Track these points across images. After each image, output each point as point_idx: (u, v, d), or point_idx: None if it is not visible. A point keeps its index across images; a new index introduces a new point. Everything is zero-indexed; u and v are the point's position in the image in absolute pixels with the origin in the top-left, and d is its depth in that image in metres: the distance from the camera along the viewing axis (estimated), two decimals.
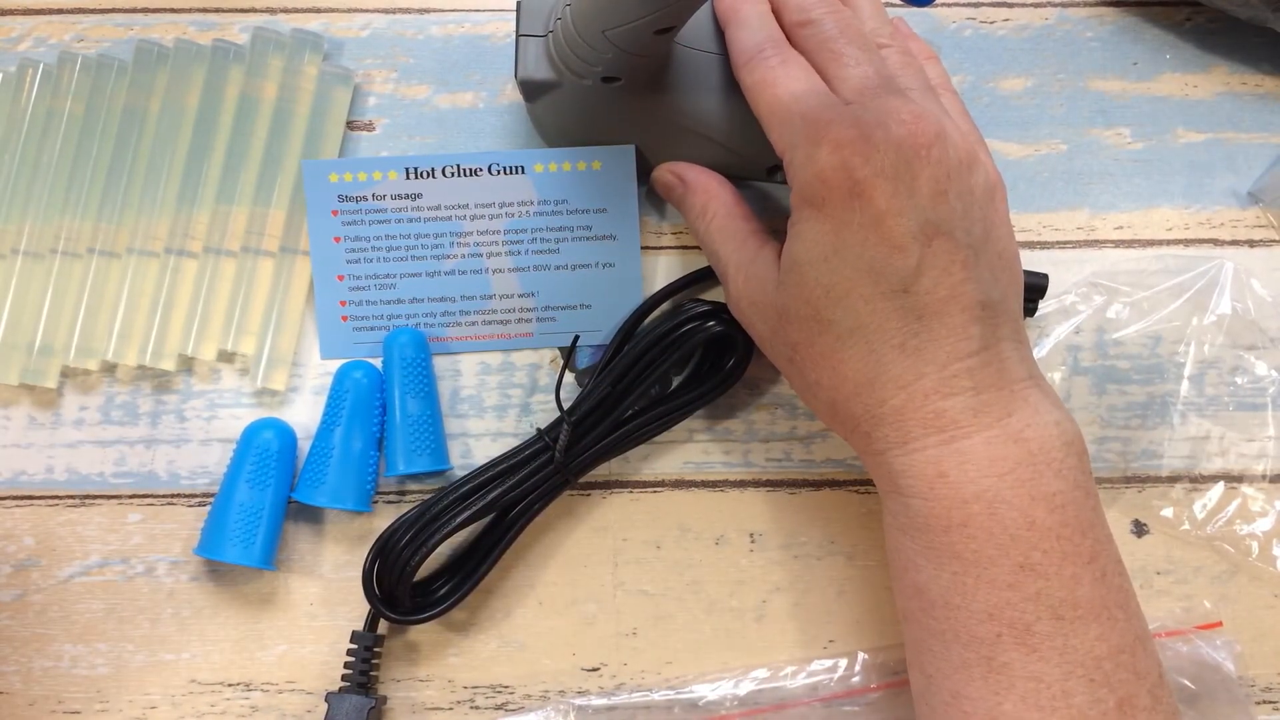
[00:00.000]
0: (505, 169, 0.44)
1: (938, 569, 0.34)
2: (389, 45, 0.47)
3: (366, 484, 0.43)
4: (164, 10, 0.47)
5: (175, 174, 0.45)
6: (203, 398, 0.45)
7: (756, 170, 0.44)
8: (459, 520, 0.41)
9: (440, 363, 0.45)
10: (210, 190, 0.45)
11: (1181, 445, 0.45)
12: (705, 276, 0.45)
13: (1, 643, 0.43)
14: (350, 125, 0.46)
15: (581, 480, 0.43)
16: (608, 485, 0.45)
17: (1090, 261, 0.46)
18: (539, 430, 0.42)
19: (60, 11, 0.47)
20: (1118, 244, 0.46)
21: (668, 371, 0.43)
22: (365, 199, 0.44)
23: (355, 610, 0.44)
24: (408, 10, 0.48)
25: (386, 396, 0.43)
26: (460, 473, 0.44)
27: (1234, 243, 0.46)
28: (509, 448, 0.43)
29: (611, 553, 0.44)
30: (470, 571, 0.42)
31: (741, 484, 0.45)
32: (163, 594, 0.44)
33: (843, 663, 0.43)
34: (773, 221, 0.42)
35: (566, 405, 0.42)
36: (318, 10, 0.47)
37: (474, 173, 0.44)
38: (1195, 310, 0.45)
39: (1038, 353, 0.45)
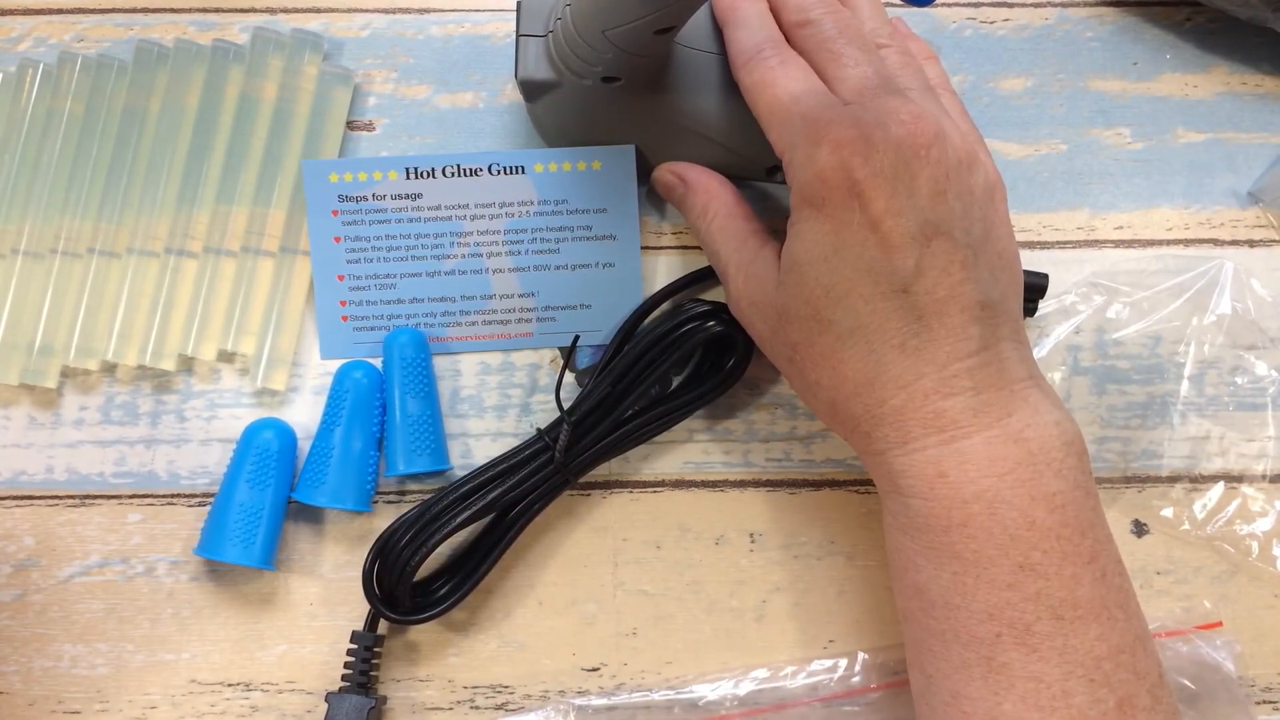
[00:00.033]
0: (505, 169, 0.44)
1: (938, 569, 0.34)
2: (389, 45, 0.47)
3: (366, 484, 0.43)
4: (164, 10, 0.47)
5: (175, 174, 0.45)
6: (203, 398, 0.45)
7: (756, 170, 0.44)
8: (459, 520, 0.41)
9: (440, 363, 0.45)
10: (210, 190, 0.45)
11: (1181, 445, 0.45)
12: (705, 276, 0.45)
13: (1, 643, 0.43)
14: (350, 125, 0.46)
15: (581, 480, 0.43)
16: (608, 485, 0.45)
17: (1090, 261, 0.46)
18: (539, 430, 0.42)
19: (60, 11, 0.47)
20: (1118, 244, 0.46)
21: (668, 371, 0.43)
22: (365, 199, 0.44)
23: (355, 610, 0.44)
24: (408, 10, 0.48)
25: (386, 396, 0.43)
26: (460, 473, 0.44)
27: (1234, 243, 0.46)
28: (509, 448, 0.43)
29: (611, 553, 0.44)
30: (470, 571, 0.42)
31: (741, 484, 0.45)
32: (163, 594, 0.44)
33: (843, 663, 0.43)
34: (773, 221, 0.42)
35: (566, 405, 0.42)
36: (318, 10, 0.47)
37: (474, 173, 0.44)
38: (1195, 310, 0.45)
39: (1038, 353, 0.45)
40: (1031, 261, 0.46)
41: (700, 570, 0.44)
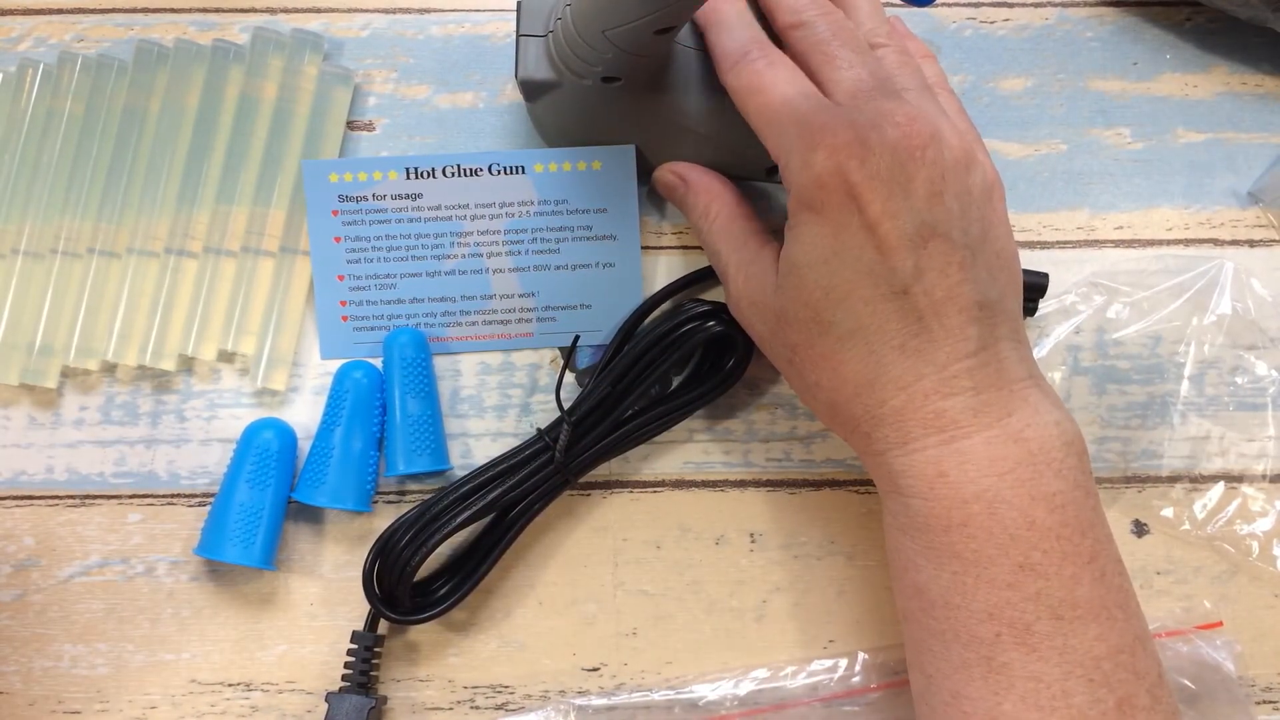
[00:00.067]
0: (505, 169, 0.44)
1: (938, 569, 0.34)
2: (389, 45, 0.47)
3: (366, 484, 0.43)
4: (164, 10, 0.47)
5: (175, 174, 0.45)
6: (203, 398, 0.45)
7: (756, 170, 0.44)
8: (459, 520, 0.41)
9: (440, 363, 0.45)
10: (210, 190, 0.45)
11: (1181, 445, 0.45)
12: (705, 276, 0.45)
13: (1, 643, 0.43)
14: (350, 125, 0.46)
15: (581, 480, 0.43)
16: (608, 485, 0.45)
17: (1090, 261, 0.46)
18: (539, 430, 0.42)
19: (60, 11, 0.47)
20: (1118, 244, 0.46)
21: (668, 371, 0.43)
22: (365, 199, 0.44)
23: (355, 610, 0.44)
24: (408, 10, 0.48)
25: (386, 396, 0.43)
26: (460, 473, 0.44)
27: (1234, 243, 0.46)
28: (509, 448, 0.43)
29: (611, 553, 0.44)
30: (470, 571, 0.42)
31: (741, 484, 0.45)
32: (163, 594, 0.44)
33: (843, 663, 0.43)
34: (773, 221, 0.42)
35: (566, 405, 0.42)
36: (318, 10, 0.47)
37: (474, 173, 0.44)
38: (1195, 310, 0.45)
39: (1038, 353, 0.45)
40: (1031, 261, 0.46)
41: (700, 570, 0.44)
